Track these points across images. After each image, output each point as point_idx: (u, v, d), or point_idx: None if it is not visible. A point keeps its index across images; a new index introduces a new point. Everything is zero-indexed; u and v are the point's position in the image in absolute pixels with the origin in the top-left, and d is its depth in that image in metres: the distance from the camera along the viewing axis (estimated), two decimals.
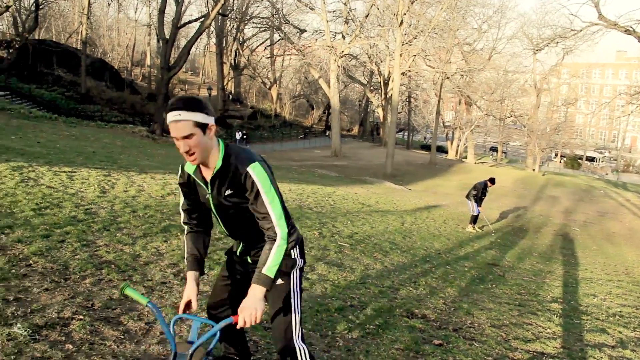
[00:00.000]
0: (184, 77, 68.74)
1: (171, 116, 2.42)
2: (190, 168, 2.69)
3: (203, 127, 2.48)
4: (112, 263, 5.17)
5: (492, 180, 16.09)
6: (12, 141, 14.13)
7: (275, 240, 2.59)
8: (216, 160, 2.59)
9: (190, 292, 2.72)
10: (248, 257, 2.91)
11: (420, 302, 6.27)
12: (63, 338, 3.53)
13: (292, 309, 2.79)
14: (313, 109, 71.24)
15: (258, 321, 2.45)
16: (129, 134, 30.18)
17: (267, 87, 64.68)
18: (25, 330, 3.47)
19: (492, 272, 9.52)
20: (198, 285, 2.78)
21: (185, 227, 2.90)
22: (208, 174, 2.66)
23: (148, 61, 65.51)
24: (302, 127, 65.13)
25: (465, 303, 6.62)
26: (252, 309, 2.47)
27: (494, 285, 8.23)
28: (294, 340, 2.77)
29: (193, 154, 2.49)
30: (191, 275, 2.78)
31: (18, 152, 11.42)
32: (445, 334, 5.16)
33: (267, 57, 63.67)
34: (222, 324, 2.31)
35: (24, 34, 36.45)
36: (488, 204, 16.51)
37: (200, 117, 2.46)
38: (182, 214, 2.89)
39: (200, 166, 2.67)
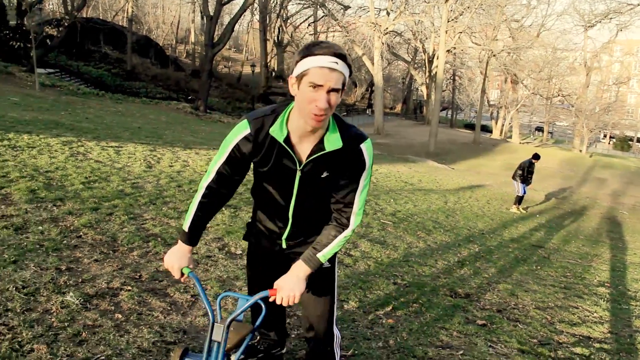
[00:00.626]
0: (228, 54, 69.04)
1: (326, 60, 1.98)
2: (280, 134, 2.19)
3: (343, 87, 2.07)
4: (159, 236, 5.26)
5: (536, 157, 15.69)
6: (62, 117, 14.46)
7: (344, 228, 2.35)
8: (322, 132, 2.20)
9: (185, 261, 2.35)
10: (283, 242, 2.58)
11: (463, 282, 6.21)
12: (112, 307, 3.61)
13: (335, 294, 2.67)
14: (356, 86, 70.81)
15: (296, 302, 2.25)
16: (173, 110, 30.57)
17: None
18: (77, 299, 3.57)
19: (536, 253, 9.36)
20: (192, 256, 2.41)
21: (204, 191, 2.37)
22: (304, 147, 2.24)
23: (192, 38, 66.05)
24: (345, 104, 64.87)
25: (509, 284, 6.53)
26: (290, 289, 2.24)
27: (538, 267, 8.09)
28: (333, 326, 2.72)
29: (325, 114, 2.04)
30: (187, 250, 2.38)
31: (68, 128, 11.69)
32: (489, 315, 5.10)
33: (311, 34, 63.32)
34: (258, 296, 2.26)
35: (73, 12, 36.99)
36: (532, 185, 16.18)
37: (348, 75, 2.06)
38: (213, 175, 2.35)
39: (291, 135, 2.22)
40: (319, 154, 2.20)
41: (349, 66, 2.06)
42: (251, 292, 2.81)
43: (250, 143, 2.26)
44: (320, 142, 2.19)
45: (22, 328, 3.08)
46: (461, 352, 4.04)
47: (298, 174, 2.29)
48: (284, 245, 2.60)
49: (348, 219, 2.34)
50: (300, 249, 2.55)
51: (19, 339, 2.97)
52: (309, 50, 2.02)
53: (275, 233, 2.58)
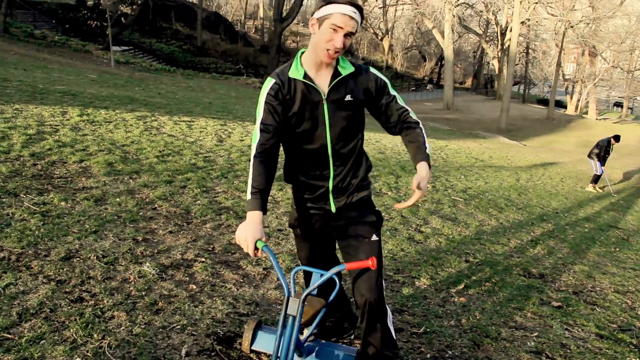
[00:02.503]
0: (296, 29, 68.96)
1: (348, 9, 2.29)
2: (297, 73, 2.48)
3: (355, 34, 2.40)
4: (231, 209, 5.34)
5: (617, 138, 14.99)
6: (136, 92, 14.87)
7: (420, 126, 2.61)
8: (333, 65, 2.49)
9: (258, 234, 2.32)
10: (332, 202, 2.67)
11: (537, 262, 6.02)
12: (187, 278, 3.70)
13: (382, 266, 2.67)
14: (425, 60, 69.57)
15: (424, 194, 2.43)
16: (243, 85, 30.96)
17: (379, 38, 63.68)
18: (154, 269, 3.67)
19: (614, 235, 8.97)
20: (263, 227, 2.41)
21: (256, 151, 2.49)
22: (323, 79, 2.49)
23: (261, 13, 66.30)
24: (414, 79, 63.91)
25: (586, 265, 6.28)
26: (427, 179, 2.44)
27: (617, 249, 7.75)
28: (384, 300, 2.70)
29: (338, 53, 2.37)
30: (257, 216, 2.38)
31: (142, 103, 12.00)
32: (565, 296, 4.92)
33: (380, 7, 62.47)
34: (333, 271, 2.24)
35: None
36: (610, 163, 15.49)
37: (360, 23, 2.38)
38: (259, 134, 2.49)
39: (308, 72, 2.48)
40: (338, 79, 2.47)
41: (363, 17, 2.39)
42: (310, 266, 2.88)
43: (278, 87, 2.49)
44: (336, 72, 2.48)
45: (103, 295, 3.20)
46: (536, 334, 3.92)
47: (324, 104, 2.49)
48: (333, 209, 2.67)
49: (414, 117, 2.63)
50: (351, 212, 2.66)
51: (101, 306, 3.08)
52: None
53: (321, 190, 2.67)
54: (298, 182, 2.72)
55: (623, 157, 24.83)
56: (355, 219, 2.65)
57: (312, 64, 2.46)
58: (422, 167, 2.49)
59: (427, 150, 2.55)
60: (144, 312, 3.12)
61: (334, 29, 2.30)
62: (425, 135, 2.59)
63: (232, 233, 4.72)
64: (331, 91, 2.48)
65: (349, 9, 2.28)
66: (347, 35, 2.32)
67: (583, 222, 9.52)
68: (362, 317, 2.71)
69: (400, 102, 2.59)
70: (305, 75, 2.46)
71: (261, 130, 2.49)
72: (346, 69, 2.48)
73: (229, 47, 49.26)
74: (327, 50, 2.33)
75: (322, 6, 2.34)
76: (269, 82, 2.50)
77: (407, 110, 2.60)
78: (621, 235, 9.04)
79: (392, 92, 2.59)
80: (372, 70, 2.56)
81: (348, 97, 2.50)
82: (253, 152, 2.51)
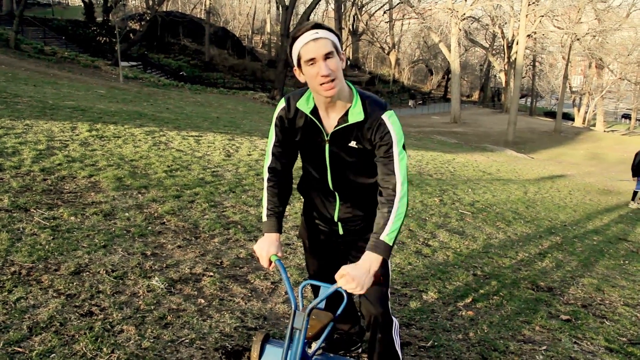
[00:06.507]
0: None
1: (308, 35, 2.12)
2: (305, 106, 2.34)
3: (338, 52, 2.18)
4: (239, 224, 5.36)
5: None
6: (144, 107, 14.98)
7: (393, 202, 2.27)
8: (347, 105, 2.28)
9: (273, 250, 2.38)
10: (340, 226, 2.65)
11: (545, 275, 6.00)
12: (195, 292, 3.72)
13: (388, 278, 2.63)
14: (432, 74, 69.77)
15: (362, 292, 2.15)
16: (250, 100, 31.10)
17: (386, 52, 64.02)
18: (162, 284, 3.70)
19: (623, 247, 8.91)
20: (280, 244, 2.44)
21: (268, 175, 2.51)
22: (331, 120, 2.33)
23: (268, 29, 66.74)
24: (421, 92, 64.07)
25: (594, 278, 6.25)
26: (360, 282, 2.13)
27: (626, 262, 7.70)
28: (390, 312, 2.68)
29: (334, 80, 2.14)
30: (275, 238, 2.43)
31: (150, 118, 12.09)
32: (574, 310, 4.90)
33: (386, 22, 62.96)
34: (337, 285, 2.26)
35: (154, 7, 38.43)
36: (621, 176, 15.38)
37: (336, 39, 2.18)
38: (270, 157, 2.50)
39: (319, 108, 2.34)
40: (343, 125, 2.30)
41: (332, 31, 2.19)
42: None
43: (284, 112, 2.43)
44: (345, 115, 2.29)
45: (112, 309, 3.23)
46: (544, 347, 3.91)
47: (326, 145, 2.39)
48: (340, 231, 2.67)
49: (394, 188, 2.29)
50: (357, 237, 2.62)
51: (110, 320, 3.11)
52: (292, 37, 2.19)
53: (327, 216, 2.66)
54: (308, 198, 2.75)
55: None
56: (363, 236, 2.60)
57: (321, 102, 2.30)
58: (363, 258, 2.23)
59: (385, 237, 2.23)
60: (153, 326, 3.14)
61: (310, 64, 2.14)
62: (394, 216, 2.26)
63: (240, 247, 4.74)
64: (335, 134, 2.34)
65: (306, 36, 2.13)
66: (327, 57, 2.13)
67: (592, 235, 9.48)
68: (367, 328, 2.74)
69: (398, 164, 2.29)
70: (314, 110, 2.34)
71: (272, 154, 2.50)
72: (355, 116, 2.26)
73: (236, 62, 49.65)
74: (321, 84, 2.14)
75: (290, 52, 2.23)
76: (280, 104, 2.44)
77: (394, 177, 2.30)
78: (630, 248, 8.98)
79: (397, 150, 2.28)
80: (386, 119, 2.27)
81: (353, 144, 2.34)
82: (265, 175, 2.53)
